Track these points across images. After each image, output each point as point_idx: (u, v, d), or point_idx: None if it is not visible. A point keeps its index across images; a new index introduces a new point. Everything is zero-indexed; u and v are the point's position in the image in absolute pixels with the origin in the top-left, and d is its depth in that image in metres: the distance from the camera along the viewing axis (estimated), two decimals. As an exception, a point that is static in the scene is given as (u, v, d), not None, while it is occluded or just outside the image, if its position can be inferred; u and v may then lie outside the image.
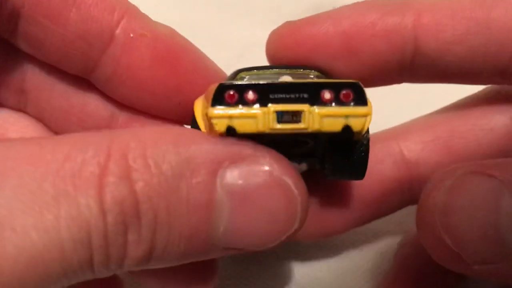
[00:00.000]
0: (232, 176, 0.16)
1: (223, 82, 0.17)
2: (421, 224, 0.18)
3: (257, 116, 0.16)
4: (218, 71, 0.22)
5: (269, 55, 0.22)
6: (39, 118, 0.23)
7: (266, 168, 0.17)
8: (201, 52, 0.22)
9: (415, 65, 0.21)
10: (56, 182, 0.15)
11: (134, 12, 0.21)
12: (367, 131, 0.18)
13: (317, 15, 0.21)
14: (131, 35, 0.20)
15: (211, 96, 0.16)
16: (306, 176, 0.20)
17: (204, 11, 0.24)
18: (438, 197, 0.16)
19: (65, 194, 0.14)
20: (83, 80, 0.22)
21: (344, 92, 0.16)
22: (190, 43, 0.22)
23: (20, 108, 0.23)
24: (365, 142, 0.19)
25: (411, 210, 0.27)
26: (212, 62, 0.22)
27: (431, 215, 0.17)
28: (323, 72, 0.20)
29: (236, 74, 0.20)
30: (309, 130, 0.16)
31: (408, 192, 0.23)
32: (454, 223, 0.16)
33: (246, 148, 0.17)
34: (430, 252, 0.18)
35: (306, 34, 0.20)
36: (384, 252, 0.26)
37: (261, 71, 0.20)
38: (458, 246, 0.16)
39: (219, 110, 0.16)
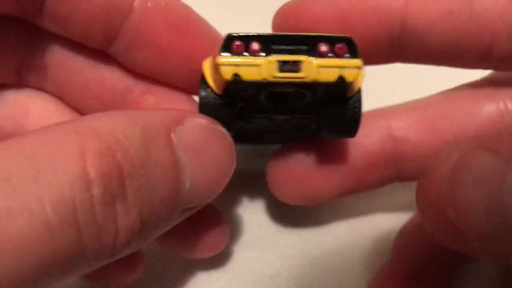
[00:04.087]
0: (181, 134, 0.18)
1: (230, 33, 0.18)
2: (423, 198, 0.18)
3: (261, 65, 0.18)
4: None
5: (274, 30, 0.23)
6: (58, 96, 0.24)
7: (203, 121, 0.19)
8: (208, 23, 0.23)
9: (403, 41, 0.22)
10: (35, 164, 0.15)
11: None
12: (359, 90, 0.20)
13: None
14: (148, 4, 0.22)
15: (219, 49, 0.18)
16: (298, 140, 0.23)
17: (204, 11, 0.24)
18: (445, 171, 0.17)
19: (45, 173, 0.15)
20: (100, 54, 0.23)
21: (339, 45, 0.18)
22: (198, 14, 0.23)
23: (39, 86, 0.24)
24: (357, 100, 0.20)
25: (407, 202, 0.27)
26: (218, 32, 0.23)
27: (436, 188, 0.17)
28: None
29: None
30: (307, 79, 0.18)
31: (394, 168, 0.24)
32: (460, 197, 0.16)
33: (182, 112, 0.19)
34: (431, 228, 0.18)
35: (306, 11, 0.22)
36: (380, 243, 0.26)
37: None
38: (462, 220, 0.16)
39: (227, 58, 0.18)
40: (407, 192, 0.28)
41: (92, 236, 0.15)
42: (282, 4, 0.23)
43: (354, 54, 0.18)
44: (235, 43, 0.18)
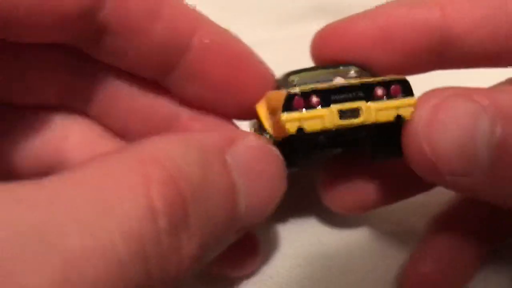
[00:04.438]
0: (234, 156, 0.18)
1: (290, 91, 0.19)
2: (406, 136, 0.20)
3: (323, 116, 0.19)
4: (270, 74, 0.25)
5: (314, 54, 0.25)
6: (101, 119, 0.24)
7: (255, 141, 0.20)
8: (257, 56, 0.24)
9: (442, 50, 0.23)
10: (102, 196, 0.14)
11: (206, 19, 0.23)
12: None
13: (355, 15, 0.24)
14: (206, 41, 0.23)
15: (280, 103, 0.19)
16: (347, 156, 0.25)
17: (204, 10, 0.24)
18: (424, 111, 0.19)
19: (113, 206, 0.14)
20: (150, 82, 0.23)
21: (393, 87, 0.20)
22: (250, 48, 0.24)
23: (81, 109, 0.24)
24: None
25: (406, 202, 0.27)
26: (266, 65, 0.24)
27: (415, 127, 0.19)
28: (362, 67, 0.23)
29: (287, 76, 0.23)
30: (367, 123, 0.20)
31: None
32: (434, 136, 0.18)
33: (233, 132, 0.21)
34: (412, 164, 0.20)
35: (347, 31, 0.24)
36: (381, 244, 0.27)
37: (308, 73, 0.23)
38: (436, 156, 0.18)
39: (291, 114, 0.19)
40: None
41: (158, 267, 0.15)
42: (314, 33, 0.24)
43: (408, 92, 0.20)
44: (296, 100, 0.19)
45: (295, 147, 0.21)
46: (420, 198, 0.28)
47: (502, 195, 0.19)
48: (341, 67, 0.23)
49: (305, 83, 0.22)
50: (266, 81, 0.24)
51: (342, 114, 0.20)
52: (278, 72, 0.26)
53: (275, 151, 0.20)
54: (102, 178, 0.15)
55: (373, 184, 0.25)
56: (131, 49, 0.22)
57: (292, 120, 0.19)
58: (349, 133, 0.21)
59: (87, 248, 0.13)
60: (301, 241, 0.27)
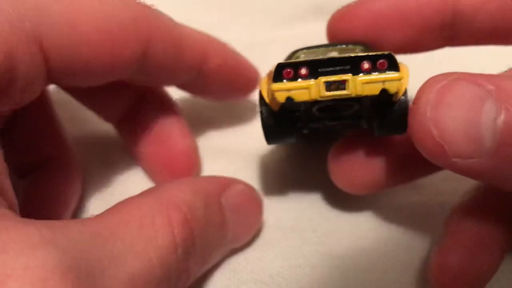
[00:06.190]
0: (227, 198, 0.24)
1: (280, 62, 0.21)
2: (412, 119, 0.20)
3: (310, 87, 0.20)
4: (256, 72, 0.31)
5: (330, 33, 0.27)
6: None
7: (242, 187, 0.25)
8: (245, 58, 0.30)
9: (453, 26, 0.24)
10: (144, 232, 0.20)
11: (216, 46, 0.29)
12: (405, 93, 0.22)
13: None
14: (213, 65, 0.28)
15: (272, 74, 0.21)
16: (356, 133, 0.26)
17: (204, 10, 0.24)
18: (431, 94, 0.19)
19: (152, 239, 0.20)
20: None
21: (380, 61, 0.20)
22: (244, 58, 0.30)
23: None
24: (404, 101, 0.22)
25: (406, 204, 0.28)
26: (255, 69, 0.31)
27: (423, 110, 0.19)
28: (369, 46, 0.24)
29: (293, 53, 0.25)
30: (353, 95, 0.20)
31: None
32: (441, 118, 0.19)
33: (228, 179, 0.25)
34: (417, 145, 0.20)
35: (363, 10, 0.25)
36: (382, 243, 0.26)
37: (313, 50, 0.24)
38: (443, 138, 0.19)
39: (279, 84, 0.20)
40: (405, 195, 0.28)
41: (174, 284, 0.21)
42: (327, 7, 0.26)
43: (394, 67, 0.20)
44: (285, 70, 0.20)
45: (292, 118, 0.23)
46: (419, 197, 0.28)
47: (508, 179, 0.20)
48: (349, 46, 0.24)
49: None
50: (255, 79, 0.31)
51: (328, 85, 0.20)
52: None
53: (255, 193, 0.26)
54: (142, 217, 0.20)
55: (382, 164, 0.25)
56: (163, 81, 0.28)
57: (280, 89, 0.20)
58: (341, 106, 0.22)
59: (140, 270, 0.19)
60: (301, 241, 0.27)
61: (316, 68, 0.20)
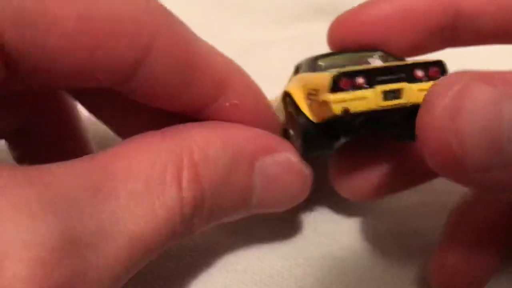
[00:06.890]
0: (264, 165, 0.22)
1: (334, 73, 0.20)
2: (425, 127, 0.18)
3: (368, 97, 0.20)
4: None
5: (332, 41, 0.26)
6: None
7: (286, 158, 0.22)
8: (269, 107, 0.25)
9: (455, 27, 0.24)
10: (151, 183, 0.19)
11: (238, 79, 0.23)
12: None
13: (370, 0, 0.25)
14: (227, 104, 0.23)
15: (325, 85, 0.20)
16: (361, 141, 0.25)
17: (204, 10, 0.24)
18: (446, 99, 0.17)
19: (160, 192, 0.19)
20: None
21: (432, 69, 0.20)
22: (266, 101, 0.24)
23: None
24: None
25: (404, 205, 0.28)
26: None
27: (437, 117, 0.17)
28: (383, 51, 0.24)
29: (315, 60, 0.24)
30: (408, 104, 0.20)
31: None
32: (462, 127, 0.17)
33: (275, 142, 0.22)
34: (430, 158, 0.18)
35: (366, 15, 0.25)
36: (382, 244, 0.26)
37: (335, 57, 0.24)
38: (464, 150, 0.17)
39: (338, 95, 0.20)
40: (405, 195, 0.28)
41: (180, 233, 0.20)
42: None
43: (446, 73, 0.20)
44: (342, 81, 0.20)
45: (330, 130, 0.22)
46: (419, 198, 0.28)
47: None
48: (365, 52, 0.24)
49: (335, 67, 0.22)
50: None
51: (386, 95, 0.20)
52: (278, 71, 0.26)
53: (303, 167, 0.23)
54: (149, 167, 0.19)
55: (383, 171, 0.25)
56: (165, 106, 0.22)
57: (338, 101, 0.20)
58: (387, 115, 0.21)
59: (143, 230, 0.19)
60: (302, 241, 0.27)
61: (373, 77, 0.20)
